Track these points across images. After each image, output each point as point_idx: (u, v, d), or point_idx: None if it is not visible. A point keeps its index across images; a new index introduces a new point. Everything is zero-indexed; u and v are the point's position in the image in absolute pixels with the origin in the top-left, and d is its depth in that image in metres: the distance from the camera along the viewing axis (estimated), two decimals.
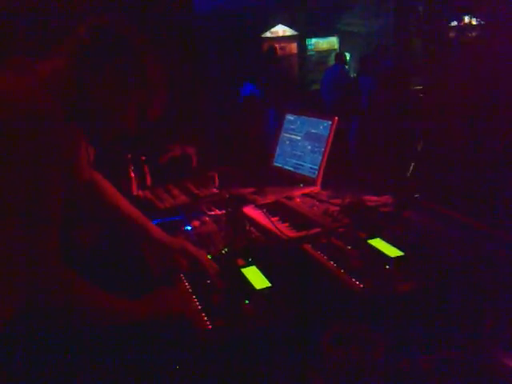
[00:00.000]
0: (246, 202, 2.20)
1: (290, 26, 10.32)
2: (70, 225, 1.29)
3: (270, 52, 7.62)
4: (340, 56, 7.33)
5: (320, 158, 2.42)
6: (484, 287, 1.39)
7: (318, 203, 2.17)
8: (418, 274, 1.47)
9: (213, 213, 2.14)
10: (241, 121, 4.28)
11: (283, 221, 2.00)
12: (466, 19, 5.26)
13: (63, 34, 1.29)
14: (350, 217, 1.94)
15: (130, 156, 2.43)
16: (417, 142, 2.78)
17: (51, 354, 1.43)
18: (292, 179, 2.50)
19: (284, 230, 1.88)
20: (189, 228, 1.99)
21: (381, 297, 1.39)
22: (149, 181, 2.53)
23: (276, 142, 2.73)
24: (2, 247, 1.09)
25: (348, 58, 9.26)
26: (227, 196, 2.29)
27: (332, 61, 10.53)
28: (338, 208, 2.05)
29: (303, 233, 1.84)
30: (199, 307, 1.41)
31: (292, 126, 2.67)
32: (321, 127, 2.47)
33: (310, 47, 10.73)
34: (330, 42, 10.75)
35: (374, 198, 2.11)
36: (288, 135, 2.68)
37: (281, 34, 10.32)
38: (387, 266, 1.53)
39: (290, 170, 2.60)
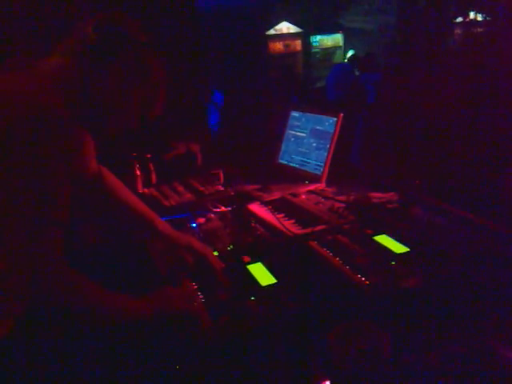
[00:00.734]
0: (251, 199, 2.21)
1: (295, 23, 10.29)
2: (76, 221, 1.29)
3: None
4: (353, 58, 7.35)
5: (325, 154, 2.42)
6: (488, 283, 1.39)
7: (323, 200, 2.17)
8: (424, 270, 1.46)
9: (218, 210, 2.14)
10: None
11: (289, 218, 2.00)
12: (472, 15, 5.23)
13: (63, 33, 1.30)
14: (355, 213, 1.93)
15: (135, 154, 2.43)
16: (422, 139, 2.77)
17: (54, 352, 1.43)
18: (297, 176, 2.50)
19: (289, 226, 1.88)
20: (194, 225, 1.99)
21: (386, 293, 1.39)
22: (154, 178, 2.54)
23: (281, 139, 2.73)
24: (6, 246, 1.09)
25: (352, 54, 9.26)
26: (232, 193, 2.29)
27: (336, 58, 10.54)
28: (343, 205, 2.05)
29: (308, 229, 1.84)
30: (205, 304, 1.41)
31: (297, 123, 2.66)
32: (326, 124, 2.46)
33: (314, 44, 10.71)
34: (334, 39, 10.72)
35: (380, 195, 2.10)
36: (293, 132, 2.67)
37: (285, 31, 10.30)
38: (393, 263, 1.52)
39: (295, 167, 2.60)
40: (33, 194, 1.10)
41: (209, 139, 2.93)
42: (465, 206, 1.90)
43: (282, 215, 2.02)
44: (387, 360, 1.13)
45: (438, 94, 3.43)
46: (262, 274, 1.53)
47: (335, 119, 2.41)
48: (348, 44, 10.40)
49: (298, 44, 10.41)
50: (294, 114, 2.71)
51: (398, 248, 1.60)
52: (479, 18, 5.12)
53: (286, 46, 10.25)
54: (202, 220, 2.04)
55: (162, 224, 1.71)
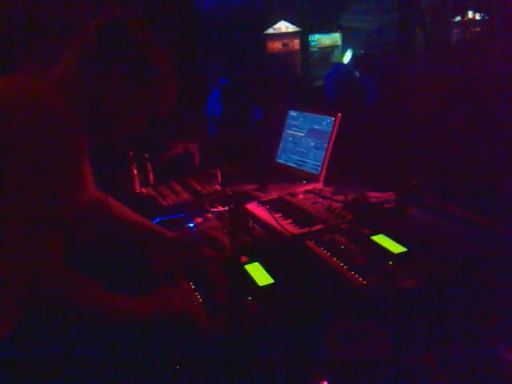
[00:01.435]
0: (248, 198, 2.20)
1: (293, 23, 10.28)
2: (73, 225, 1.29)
3: None
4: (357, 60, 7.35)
5: (323, 154, 2.41)
6: (487, 283, 1.39)
7: (320, 200, 2.17)
8: (421, 271, 1.46)
9: (216, 210, 2.14)
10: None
11: (286, 217, 2.00)
12: (470, 14, 5.24)
13: (71, 36, 1.30)
14: (353, 213, 1.93)
15: (132, 153, 2.43)
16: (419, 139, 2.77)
17: (53, 352, 1.43)
18: (295, 176, 2.50)
19: (287, 226, 1.88)
20: (192, 225, 1.99)
21: (384, 293, 1.39)
22: (151, 178, 2.53)
23: (279, 138, 2.72)
24: (8, 245, 1.09)
25: (351, 54, 9.26)
26: (230, 193, 2.29)
27: (335, 57, 10.52)
28: (341, 204, 2.04)
29: (306, 229, 1.83)
30: (202, 304, 1.41)
31: (295, 123, 2.66)
32: (324, 123, 2.46)
33: (312, 43, 10.70)
34: (333, 38, 10.71)
35: (377, 195, 2.10)
36: (291, 132, 2.67)
37: (284, 30, 10.29)
38: (390, 262, 1.52)
39: (292, 167, 2.60)
40: (40, 194, 1.11)
41: (207, 139, 2.92)
42: (463, 206, 1.90)
43: (280, 215, 2.02)
44: (385, 360, 1.13)
45: (437, 93, 3.43)
46: (259, 274, 1.53)
47: (333, 119, 2.41)
48: (346, 43, 10.39)
49: (296, 43, 10.40)
50: (292, 113, 2.71)
51: (396, 248, 1.60)
52: (477, 17, 5.13)
53: (285, 45, 10.24)
54: (199, 220, 2.03)
55: (158, 228, 1.74)
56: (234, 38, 7.78)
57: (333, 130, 2.40)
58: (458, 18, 5.54)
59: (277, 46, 10.28)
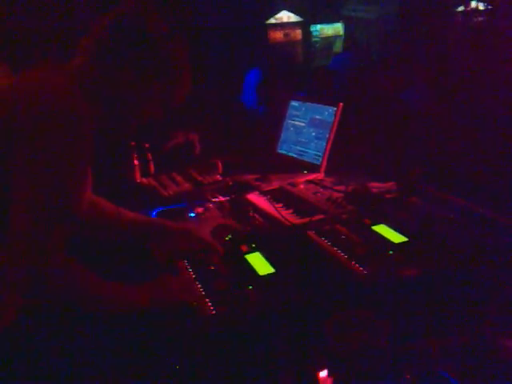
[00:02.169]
0: (249, 188, 2.20)
1: (295, 12, 10.22)
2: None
3: None
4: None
5: (324, 144, 2.41)
6: (487, 272, 1.39)
7: (321, 190, 2.17)
8: (422, 260, 1.47)
9: (217, 200, 2.14)
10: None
11: (287, 207, 2.00)
12: (473, 4, 5.20)
13: (87, 29, 1.31)
14: (354, 203, 1.93)
15: (133, 143, 2.43)
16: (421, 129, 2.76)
17: (54, 343, 1.44)
18: (296, 166, 2.49)
19: (288, 216, 1.88)
20: (192, 215, 1.99)
21: (384, 282, 1.39)
22: (152, 168, 2.53)
23: (280, 128, 2.72)
24: (13, 235, 1.10)
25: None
26: (231, 183, 2.29)
27: (337, 47, 10.47)
28: (341, 194, 2.04)
29: (307, 219, 1.83)
30: (203, 293, 1.41)
31: (296, 113, 2.65)
32: (325, 113, 2.45)
33: (315, 33, 10.64)
34: (335, 28, 10.65)
35: (378, 185, 2.10)
36: (292, 122, 2.66)
37: (285, 20, 10.22)
38: (391, 252, 1.52)
39: (294, 157, 2.59)
40: (55, 186, 1.12)
41: (207, 128, 2.91)
42: (464, 196, 1.89)
43: (281, 205, 2.02)
44: (385, 348, 1.13)
45: (438, 83, 3.42)
46: (260, 264, 1.53)
47: (335, 109, 2.40)
48: (348, 33, 10.32)
49: (298, 33, 10.34)
50: (294, 103, 2.70)
51: (397, 238, 1.60)
52: (481, 7, 5.09)
53: (286, 34, 10.18)
54: (200, 210, 2.04)
55: (157, 220, 1.75)
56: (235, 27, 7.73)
57: (334, 120, 2.39)
58: (460, 8, 5.50)
59: (278, 35, 10.23)
